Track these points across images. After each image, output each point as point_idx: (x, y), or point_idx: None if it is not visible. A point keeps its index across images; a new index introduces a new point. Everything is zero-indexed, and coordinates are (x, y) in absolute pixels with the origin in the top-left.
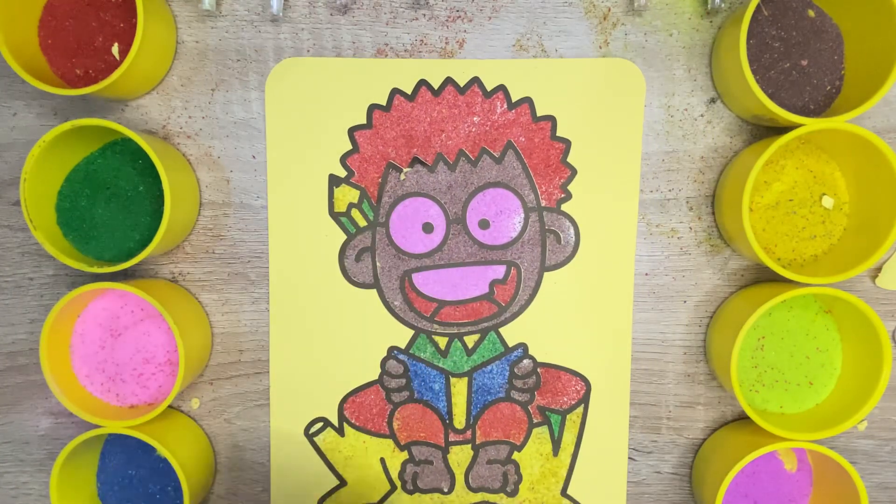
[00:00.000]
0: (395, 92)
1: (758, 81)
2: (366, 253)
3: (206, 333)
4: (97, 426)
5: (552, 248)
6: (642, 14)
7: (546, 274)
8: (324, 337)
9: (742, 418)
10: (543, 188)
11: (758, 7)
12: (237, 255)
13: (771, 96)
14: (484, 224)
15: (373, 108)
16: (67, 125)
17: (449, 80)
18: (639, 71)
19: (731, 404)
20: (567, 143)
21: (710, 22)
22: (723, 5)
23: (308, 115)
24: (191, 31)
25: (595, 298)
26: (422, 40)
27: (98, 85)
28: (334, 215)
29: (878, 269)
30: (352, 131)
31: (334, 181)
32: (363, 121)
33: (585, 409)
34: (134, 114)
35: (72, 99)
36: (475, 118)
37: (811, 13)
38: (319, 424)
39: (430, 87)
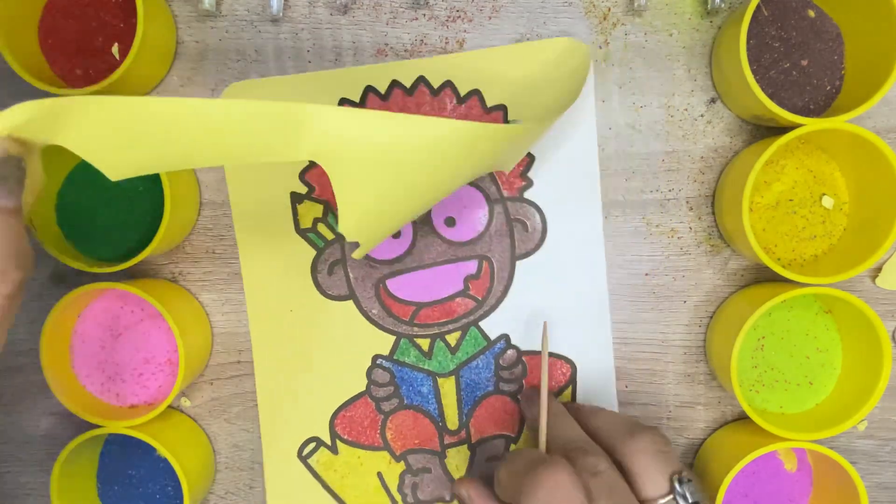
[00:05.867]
0: (343, 102)
1: (758, 81)
2: (337, 266)
3: (206, 333)
4: (97, 426)
5: (520, 236)
6: (642, 14)
7: (518, 263)
8: (307, 355)
9: (742, 418)
10: (504, 178)
11: (758, 7)
12: (237, 255)
13: (771, 96)
14: (450, 222)
15: None
16: None
17: (395, 83)
18: (581, 43)
19: (731, 404)
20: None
21: (710, 22)
22: (723, 5)
23: None
24: (191, 31)
25: (569, 280)
26: (422, 40)
27: (98, 85)
28: (301, 232)
29: (878, 269)
30: None
31: (296, 198)
32: None
33: (574, 389)
34: None
35: None
36: None
37: (811, 13)
38: (312, 445)
39: (377, 92)
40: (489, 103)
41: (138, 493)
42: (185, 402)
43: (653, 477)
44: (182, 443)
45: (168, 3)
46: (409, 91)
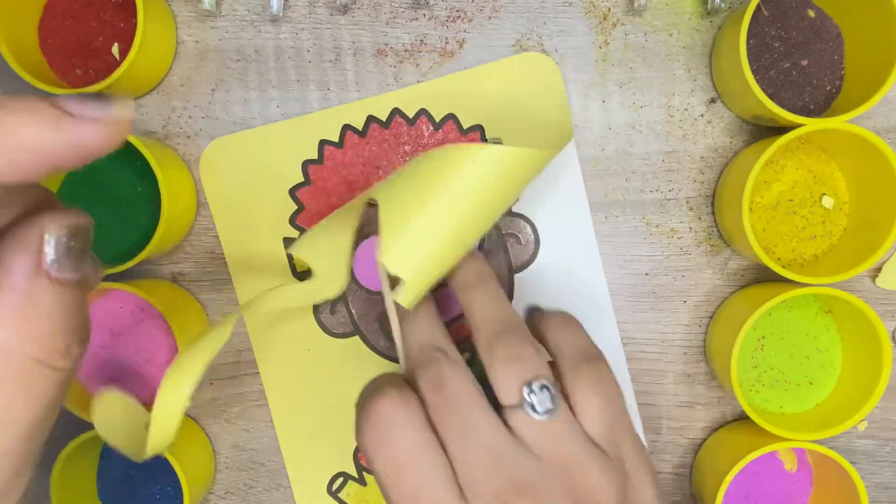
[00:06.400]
0: (324, 143)
1: (758, 81)
2: (339, 303)
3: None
4: None
5: (514, 250)
6: (642, 14)
7: (516, 276)
8: (322, 395)
9: (742, 418)
10: None
11: (758, 7)
12: None
13: (771, 96)
14: None
15: (307, 163)
16: None
17: (371, 119)
18: (547, 59)
19: (731, 404)
20: (498, 144)
21: (710, 22)
22: (723, 5)
23: (248, 187)
24: (191, 31)
25: (569, 286)
26: (422, 40)
27: (98, 85)
28: (298, 276)
29: (878, 269)
30: (293, 191)
31: (289, 244)
32: (301, 178)
33: None
34: (134, 114)
35: None
36: (406, 147)
37: (811, 13)
38: (340, 480)
39: (354, 130)
40: (465, 125)
41: (138, 493)
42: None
43: (504, 386)
44: (182, 443)
45: (168, 3)
46: (385, 124)
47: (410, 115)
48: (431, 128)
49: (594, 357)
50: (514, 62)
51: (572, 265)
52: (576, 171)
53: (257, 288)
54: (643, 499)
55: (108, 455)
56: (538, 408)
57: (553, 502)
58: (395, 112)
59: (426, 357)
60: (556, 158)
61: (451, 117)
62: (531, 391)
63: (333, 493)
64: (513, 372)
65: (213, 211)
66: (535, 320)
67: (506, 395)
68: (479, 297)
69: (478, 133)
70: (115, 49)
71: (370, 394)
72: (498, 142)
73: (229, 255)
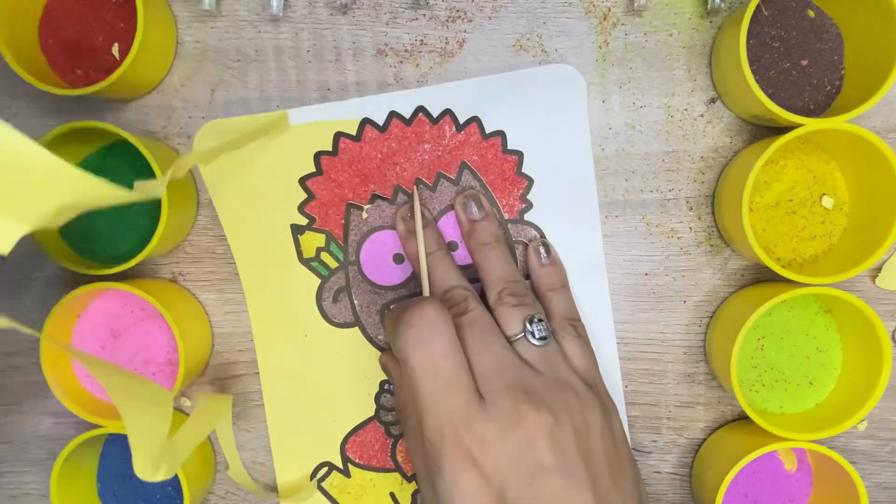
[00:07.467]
0: (340, 135)
1: (758, 81)
2: (342, 293)
3: (206, 333)
4: (97, 426)
5: (523, 258)
6: (642, 14)
7: None
8: (315, 382)
9: (742, 418)
10: (504, 201)
11: (758, 7)
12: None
13: (771, 96)
14: (453, 246)
15: (319, 154)
16: (64, 128)
17: (393, 114)
18: (577, 72)
19: (731, 404)
20: (519, 154)
21: (710, 22)
22: (723, 5)
23: (252, 174)
24: (191, 31)
25: (573, 294)
26: (421, 40)
27: (98, 85)
28: (304, 262)
29: (878, 269)
30: (303, 181)
31: (297, 230)
32: (312, 169)
33: None
34: (134, 114)
35: (72, 99)
36: (426, 145)
37: (811, 13)
38: (325, 469)
39: (374, 124)
40: (488, 130)
41: (138, 493)
42: (185, 402)
43: (510, 321)
44: None
45: (168, 3)
46: (408, 121)
47: (435, 113)
48: (454, 128)
49: (576, 319)
50: (541, 73)
51: (577, 275)
52: (591, 185)
53: (262, 269)
54: (618, 428)
55: (108, 455)
56: (536, 335)
57: (551, 405)
58: (420, 110)
59: (456, 293)
60: (573, 165)
61: (475, 120)
62: (531, 322)
63: (316, 482)
64: (517, 311)
65: (214, 198)
66: (534, 281)
67: (510, 328)
68: (492, 255)
69: (499, 138)
70: (115, 49)
71: (412, 304)
72: (519, 153)
73: (232, 238)
